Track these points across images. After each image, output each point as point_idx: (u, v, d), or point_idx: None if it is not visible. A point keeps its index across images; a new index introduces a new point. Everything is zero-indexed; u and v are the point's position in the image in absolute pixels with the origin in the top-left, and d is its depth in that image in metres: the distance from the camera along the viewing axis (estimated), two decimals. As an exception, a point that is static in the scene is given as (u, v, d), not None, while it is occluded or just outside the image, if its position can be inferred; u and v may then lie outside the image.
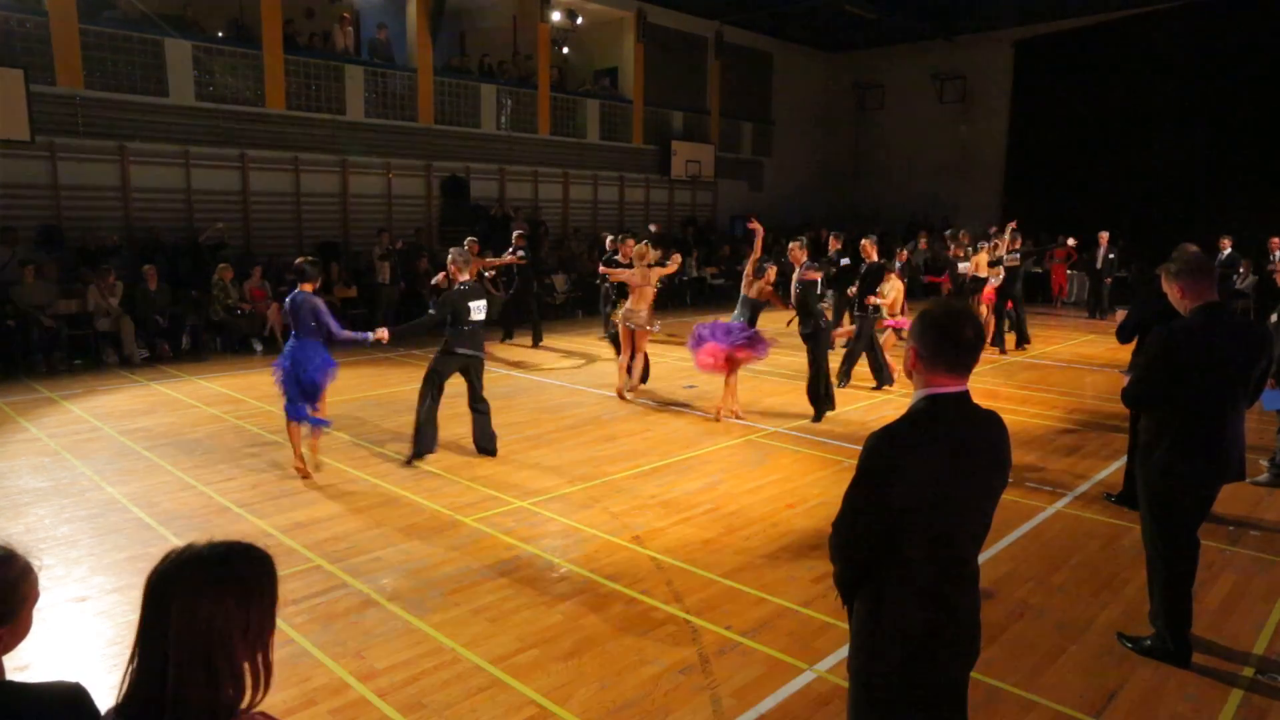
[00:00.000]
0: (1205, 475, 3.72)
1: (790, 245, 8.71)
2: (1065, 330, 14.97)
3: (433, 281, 10.12)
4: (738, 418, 8.27)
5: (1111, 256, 16.41)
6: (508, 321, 13.31)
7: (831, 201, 24.32)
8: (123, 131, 12.45)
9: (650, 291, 8.82)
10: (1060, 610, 4.37)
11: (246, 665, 1.39)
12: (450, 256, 6.98)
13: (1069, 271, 18.78)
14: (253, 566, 1.43)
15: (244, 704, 1.39)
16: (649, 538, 5.32)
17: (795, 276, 8.36)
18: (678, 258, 9.42)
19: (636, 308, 8.76)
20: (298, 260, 6.56)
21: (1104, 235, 16.19)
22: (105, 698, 1.44)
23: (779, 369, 10.68)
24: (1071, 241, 15.36)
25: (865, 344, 9.69)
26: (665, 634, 4.09)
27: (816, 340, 8.22)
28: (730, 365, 7.97)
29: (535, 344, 12.75)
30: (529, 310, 12.94)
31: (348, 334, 6.54)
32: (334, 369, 6.50)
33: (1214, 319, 3.62)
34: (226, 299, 11.90)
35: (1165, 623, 3.83)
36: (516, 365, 11.31)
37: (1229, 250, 14.61)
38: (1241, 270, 14.50)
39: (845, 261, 11.73)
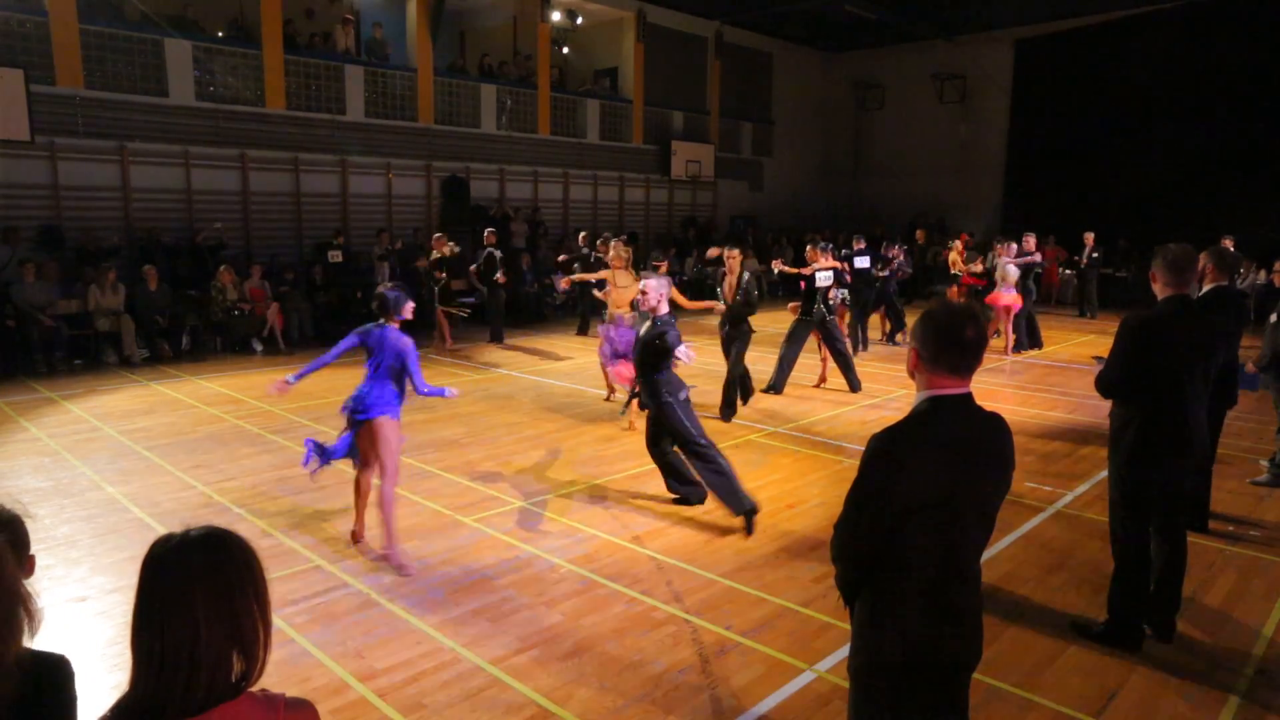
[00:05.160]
0: (1170, 460, 3.85)
1: (728, 252, 8.72)
2: (1065, 330, 14.97)
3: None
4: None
5: (1095, 255, 16.53)
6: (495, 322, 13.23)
7: (831, 201, 24.32)
8: (123, 131, 12.46)
9: (626, 294, 8.54)
10: (1060, 610, 4.37)
11: (261, 633, 1.47)
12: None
13: (1065, 271, 18.83)
14: (240, 541, 1.50)
15: (257, 670, 1.47)
16: (649, 538, 5.32)
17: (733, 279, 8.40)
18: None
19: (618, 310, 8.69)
20: (380, 288, 5.30)
21: (1089, 236, 16.35)
22: (106, 697, 1.45)
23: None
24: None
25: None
26: (665, 634, 4.09)
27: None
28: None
29: (493, 340, 12.95)
30: (496, 309, 13.06)
31: (429, 388, 4.98)
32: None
33: (1178, 310, 3.82)
34: (225, 300, 11.90)
35: (1124, 608, 3.95)
36: (493, 365, 11.31)
37: (1231, 250, 14.60)
38: (1243, 270, 14.49)
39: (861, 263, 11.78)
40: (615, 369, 8.27)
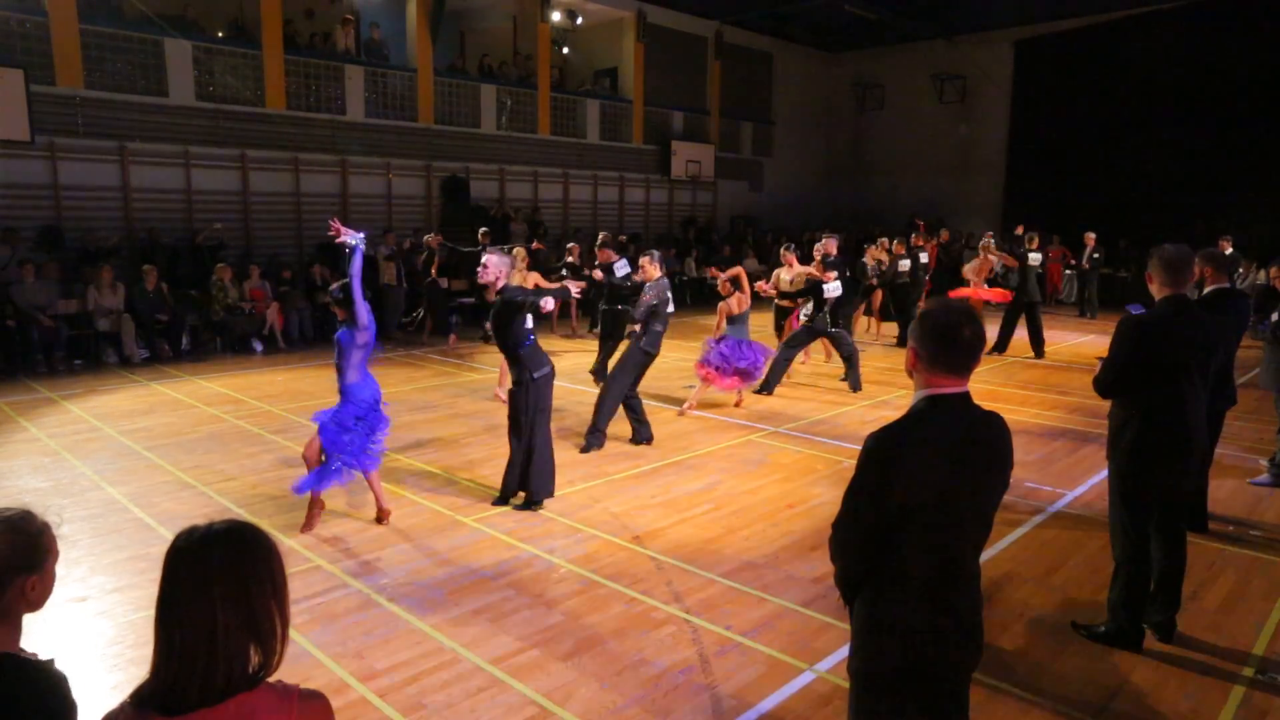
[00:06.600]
0: (1169, 460, 3.85)
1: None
2: (1065, 330, 14.98)
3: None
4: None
5: (1096, 255, 16.56)
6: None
7: (832, 202, 24.32)
8: (123, 131, 12.46)
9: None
10: (1060, 610, 4.37)
11: (279, 626, 1.50)
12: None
13: (1067, 271, 18.84)
14: (261, 536, 1.54)
15: (274, 662, 1.49)
16: (649, 538, 5.32)
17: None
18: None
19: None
20: (333, 285, 5.66)
21: (1089, 236, 16.40)
22: (106, 697, 1.45)
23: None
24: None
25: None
26: (665, 634, 4.09)
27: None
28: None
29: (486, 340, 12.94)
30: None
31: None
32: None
33: (1178, 310, 3.83)
34: (226, 299, 11.91)
35: (1124, 608, 3.96)
36: (493, 364, 11.29)
37: (1229, 250, 14.61)
38: (1241, 270, 14.50)
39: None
40: (705, 370, 8.43)
